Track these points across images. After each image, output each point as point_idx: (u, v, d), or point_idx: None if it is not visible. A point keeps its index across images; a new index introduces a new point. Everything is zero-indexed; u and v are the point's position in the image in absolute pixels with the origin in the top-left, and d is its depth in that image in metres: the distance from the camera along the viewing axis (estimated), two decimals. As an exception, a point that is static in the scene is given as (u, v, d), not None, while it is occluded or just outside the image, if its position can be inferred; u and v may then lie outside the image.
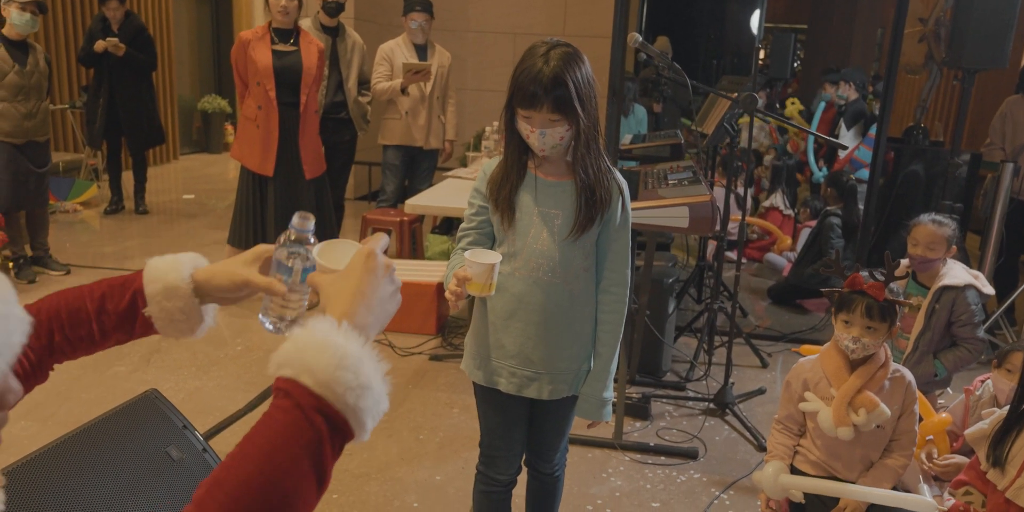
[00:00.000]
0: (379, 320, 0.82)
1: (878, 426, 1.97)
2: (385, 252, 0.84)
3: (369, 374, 0.74)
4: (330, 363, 0.72)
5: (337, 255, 0.89)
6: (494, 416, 1.79)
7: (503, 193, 1.64)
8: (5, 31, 4.10)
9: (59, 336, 0.95)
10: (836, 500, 1.97)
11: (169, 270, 0.98)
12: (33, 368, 0.94)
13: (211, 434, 2.68)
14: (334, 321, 0.75)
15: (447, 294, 1.60)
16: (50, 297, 0.97)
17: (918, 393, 2.45)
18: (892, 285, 2.03)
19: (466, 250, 1.68)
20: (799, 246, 5.07)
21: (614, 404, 2.81)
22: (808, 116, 6.51)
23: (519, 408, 1.77)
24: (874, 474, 1.96)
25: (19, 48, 4.14)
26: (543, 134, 1.56)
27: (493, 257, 1.56)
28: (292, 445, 0.69)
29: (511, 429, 1.79)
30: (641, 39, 2.71)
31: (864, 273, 2.04)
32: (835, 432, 1.95)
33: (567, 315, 1.68)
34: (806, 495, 2.01)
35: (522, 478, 1.94)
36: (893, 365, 2.03)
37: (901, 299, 2.04)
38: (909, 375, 2.03)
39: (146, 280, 0.98)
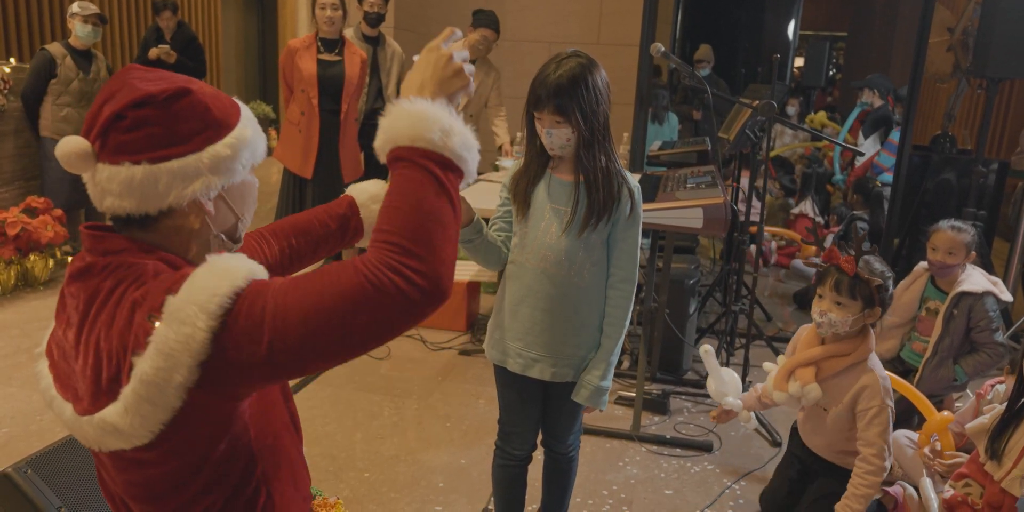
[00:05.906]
0: (445, 92, 1.00)
1: (825, 409, 1.96)
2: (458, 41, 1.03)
3: (445, 121, 0.94)
4: (411, 123, 0.93)
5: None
6: (507, 394, 1.93)
7: (520, 188, 1.80)
8: (71, 41, 4.38)
9: (295, 241, 1.28)
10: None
11: (369, 185, 1.38)
12: (283, 270, 1.25)
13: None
14: (405, 99, 0.97)
15: None
16: (280, 221, 1.32)
17: (920, 396, 2.51)
18: (877, 265, 1.96)
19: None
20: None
21: (632, 398, 2.94)
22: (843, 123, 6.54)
23: (531, 388, 1.90)
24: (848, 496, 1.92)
25: (84, 57, 4.42)
26: (550, 134, 1.71)
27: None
28: (417, 184, 0.91)
29: (524, 407, 1.92)
30: (663, 49, 2.83)
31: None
32: (772, 394, 2.04)
33: (573, 305, 1.80)
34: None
35: (540, 459, 2.08)
36: (868, 365, 1.94)
37: (879, 280, 1.91)
38: (874, 379, 1.92)
39: (354, 193, 1.37)
